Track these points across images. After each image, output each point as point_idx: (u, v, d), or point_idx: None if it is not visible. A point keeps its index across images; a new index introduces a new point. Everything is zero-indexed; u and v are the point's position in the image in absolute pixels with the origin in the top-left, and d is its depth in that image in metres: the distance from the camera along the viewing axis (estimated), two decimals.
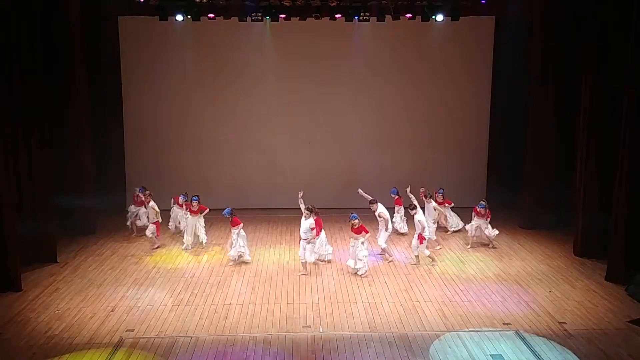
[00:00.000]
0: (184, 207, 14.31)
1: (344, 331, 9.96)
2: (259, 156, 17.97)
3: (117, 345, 9.42)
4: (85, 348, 9.33)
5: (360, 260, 12.42)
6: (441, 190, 15.19)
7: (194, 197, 14.11)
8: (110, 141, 17.19)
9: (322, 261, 13.16)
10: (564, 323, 10.25)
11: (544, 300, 11.21)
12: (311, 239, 12.57)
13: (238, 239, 13.09)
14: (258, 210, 17.03)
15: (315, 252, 12.94)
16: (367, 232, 12.54)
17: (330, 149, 18.03)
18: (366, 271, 12.44)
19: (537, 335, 9.80)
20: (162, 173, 17.57)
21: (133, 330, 9.98)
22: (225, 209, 13.13)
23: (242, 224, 13.17)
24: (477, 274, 12.67)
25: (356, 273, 12.40)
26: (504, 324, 10.24)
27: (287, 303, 11.10)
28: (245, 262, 13.18)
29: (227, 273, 12.68)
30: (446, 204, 15.15)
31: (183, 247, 14.14)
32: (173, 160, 17.79)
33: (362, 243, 12.41)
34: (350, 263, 12.54)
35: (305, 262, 12.51)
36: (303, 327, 10.13)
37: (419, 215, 13.01)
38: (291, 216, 16.15)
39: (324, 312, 10.68)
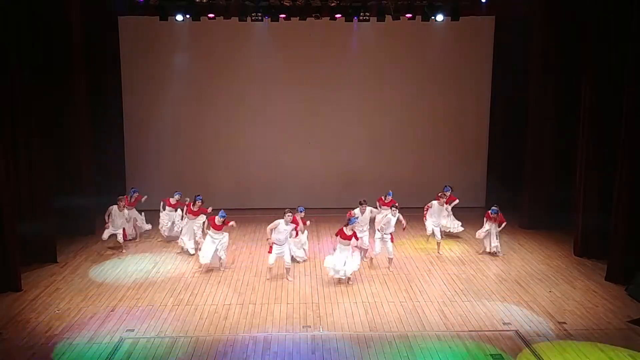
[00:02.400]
0: (184, 208, 14.02)
1: (344, 331, 9.95)
2: (259, 156, 17.98)
3: (117, 345, 9.42)
4: (85, 348, 9.33)
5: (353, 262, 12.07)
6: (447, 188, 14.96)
7: (197, 197, 13.74)
8: (110, 141, 17.20)
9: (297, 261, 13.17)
10: (564, 323, 10.24)
11: (544, 300, 11.21)
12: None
13: (223, 241, 12.75)
14: (258, 210, 17.03)
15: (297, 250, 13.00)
16: (357, 238, 12.21)
17: (330, 149, 18.04)
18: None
19: (537, 335, 9.80)
20: (162, 173, 17.59)
21: (133, 330, 9.98)
22: (221, 210, 12.82)
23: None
24: (477, 274, 12.67)
25: (340, 279, 12.00)
26: (504, 324, 10.24)
27: (287, 303, 11.10)
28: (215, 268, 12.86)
29: (227, 273, 12.67)
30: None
31: (190, 252, 13.75)
32: (173, 160, 17.81)
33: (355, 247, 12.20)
34: (338, 267, 11.91)
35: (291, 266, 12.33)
36: (303, 327, 10.12)
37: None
38: None
39: (324, 312, 10.68)
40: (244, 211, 16.91)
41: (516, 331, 9.94)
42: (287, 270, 12.27)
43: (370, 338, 9.69)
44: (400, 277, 12.45)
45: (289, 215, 12.23)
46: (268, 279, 12.19)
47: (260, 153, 17.97)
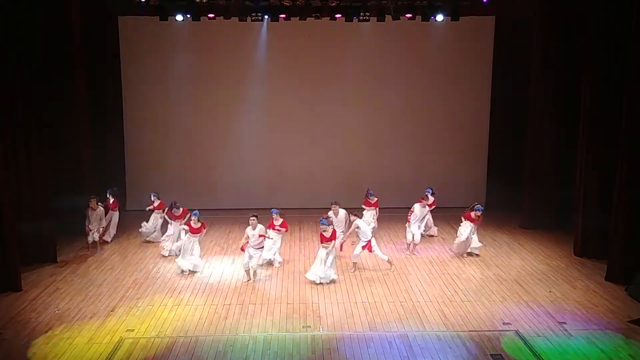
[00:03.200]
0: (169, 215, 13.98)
1: (344, 331, 9.95)
2: (259, 156, 17.99)
3: (117, 345, 9.42)
4: (85, 348, 9.33)
5: (331, 268, 12.08)
6: (429, 190, 14.81)
7: (176, 204, 13.65)
8: (111, 141, 17.20)
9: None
10: (564, 323, 10.24)
11: (544, 300, 11.21)
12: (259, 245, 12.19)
13: (195, 246, 12.73)
14: (258, 210, 16.96)
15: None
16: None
17: (330, 149, 18.04)
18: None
19: (537, 335, 9.80)
20: (162, 173, 17.57)
21: (133, 330, 9.98)
22: (194, 210, 12.77)
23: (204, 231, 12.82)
24: (477, 274, 12.68)
25: (321, 282, 11.95)
26: (504, 324, 10.24)
27: (287, 303, 11.10)
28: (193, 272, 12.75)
29: (227, 273, 12.68)
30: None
31: (166, 254, 13.73)
32: (173, 160, 17.80)
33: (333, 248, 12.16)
34: (321, 272, 11.95)
35: (249, 269, 12.22)
36: (303, 327, 10.12)
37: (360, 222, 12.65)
38: (291, 216, 16.09)
39: (324, 312, 10.68)
40: (243, 211, 16.88)
41: (516, 331, 9.94)
42: (254, 272, 12.16)
43: (370, 338, 9.69)
44: (400, 277, 12.45)
45: (252, 220, 12.11)
46: (246, 282, 12.06)
47: (261, 153, 17.98)
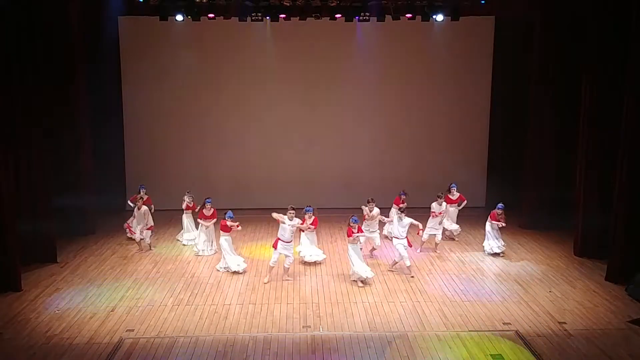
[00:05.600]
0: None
1: (344, 331, 9.96)
2: (259, 156, 17.98)
3: (117, 345, 9.42)
4: (85, 348, 9.33)
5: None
6: (454, 185, 14.92)
7: (207, 200, 13.74)
8: (110, 141, 17.18)
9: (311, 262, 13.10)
10: (564, 323, 10.25)
11: (544, 300, 11.22)
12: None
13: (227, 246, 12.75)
14: (258, 210, 17.02)
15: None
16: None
17: (330, 149, 18.03)
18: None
19: (537, 335, 9.80)
20: (162, 173, 17.57)
21: (133, 330, 9.98)
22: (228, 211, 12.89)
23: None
24: (477, 274, 12.68)
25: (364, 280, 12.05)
26: (504, 324, 10.24)
27: (287, 303, 11.10)
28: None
29: (227, 273, 12.66)
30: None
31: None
32: (173, 160, 17.80)
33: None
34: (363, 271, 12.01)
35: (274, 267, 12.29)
36: (303, 327, 10.13)
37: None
38: None
39: (324, 312, 10.69)
40: (244, 211, 16.88)
41: (516, 331, 9.94)
42: (286, 270, 12.23)
43: (370, 338, 9.70)
44: (400, 277, 12.46)
45: (291, 213, 12.14)
46: (266, 283, 12.08)
47: (260, 153, 17.97)
